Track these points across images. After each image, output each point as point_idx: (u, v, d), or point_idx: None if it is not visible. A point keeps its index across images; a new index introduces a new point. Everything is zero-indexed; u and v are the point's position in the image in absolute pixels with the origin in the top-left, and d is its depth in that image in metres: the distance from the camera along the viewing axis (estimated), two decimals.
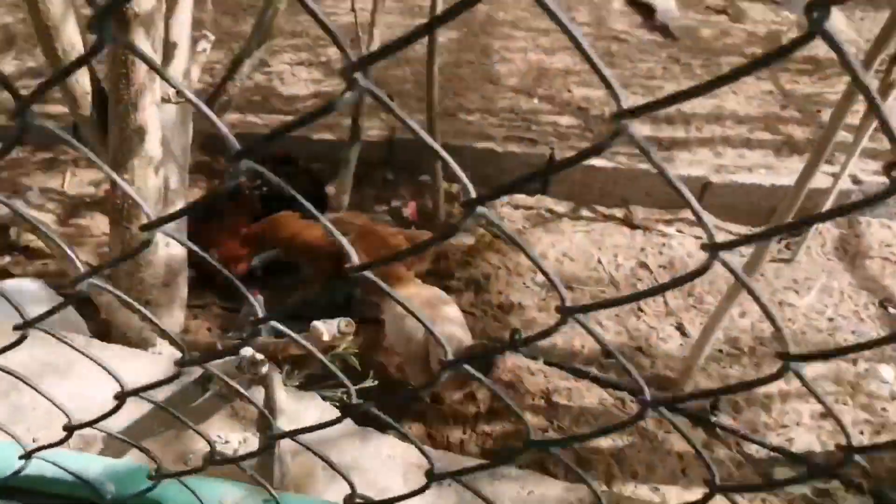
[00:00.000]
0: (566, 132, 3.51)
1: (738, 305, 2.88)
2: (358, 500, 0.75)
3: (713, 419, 2.40)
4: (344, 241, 0.58)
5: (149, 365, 1.26)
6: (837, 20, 4.45)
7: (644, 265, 3.07)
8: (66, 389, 0.99)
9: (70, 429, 0.77)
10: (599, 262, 3.07)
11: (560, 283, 0.61)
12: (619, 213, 3.30)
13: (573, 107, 3.72)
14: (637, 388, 0.63)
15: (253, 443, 1.12)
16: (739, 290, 2.28)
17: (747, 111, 3.73)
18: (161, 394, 1.17)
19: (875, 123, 2.58)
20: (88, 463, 0.92)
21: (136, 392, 0.74)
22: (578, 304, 0.61)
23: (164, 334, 2.27)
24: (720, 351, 2.69)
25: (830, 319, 2.84)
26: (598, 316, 2.82)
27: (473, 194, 0.57)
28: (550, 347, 2.66)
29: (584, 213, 3.29)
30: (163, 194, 2.10)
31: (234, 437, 1.13)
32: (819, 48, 4.22)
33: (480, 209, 0.56)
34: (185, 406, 1.13)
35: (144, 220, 1.84)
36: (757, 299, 0.58)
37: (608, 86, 0.50)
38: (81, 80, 1.95)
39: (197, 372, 1.12)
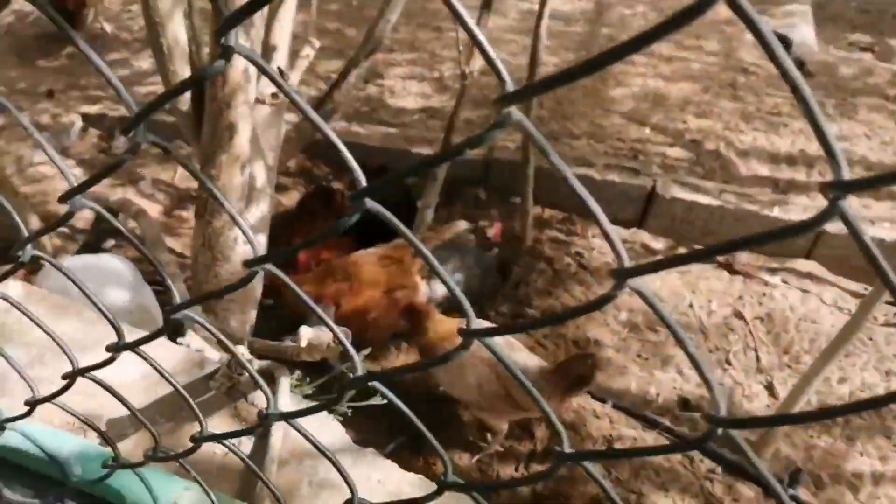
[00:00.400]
0: (674, 164, 3.35)
1: (839, 370, 2.64)
2: None
3: (789, 492, 2.19)
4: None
5: (167, 357, 1.29)
6: None
7: (740, 315, 2.87)
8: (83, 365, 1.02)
9: (31, 403, 0.79)
10: (691, 306, 2.90)
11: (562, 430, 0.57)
12: (720, 256, 3.10)
13: (686, 139, 3.55)
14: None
15: (248, 445, 1.12)
16: (837, 350, 2.08)
17: (881, 158, 3.42)
18: (166, 386, 1.19)
19: None
20: (63, 443, 0.95)
21: (83, 371, 0.74)
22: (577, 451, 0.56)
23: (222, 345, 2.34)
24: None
25: None
26: (680, 364, 2.66)
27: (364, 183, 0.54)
28: (623, 391, 2.53)
29: (682, 251, 3.12)
30: (246, 192, 2.17)
31: (230, 441, 1.14)
32: None
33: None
34: (195, 399, 1.14)
35: (226, 217, 1.88)
36: (680, 340, 0.50)
37: (494, 68, 0.46)
38: (182, 76, 2.05)
39: (206, 370, 1.13)
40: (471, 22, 0.43)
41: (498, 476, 2.20)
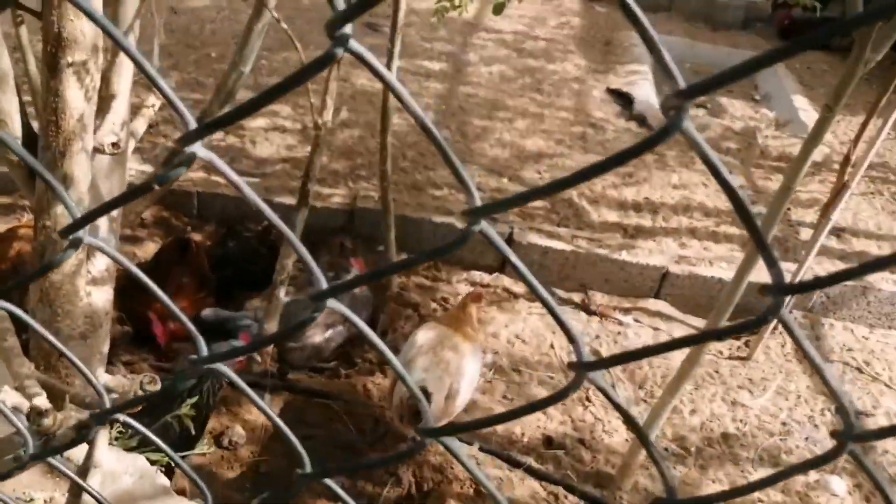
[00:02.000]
0: (531, 212, 3.49)
1: (690, 402, 2.79)
2: None
3: None
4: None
5: None
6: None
7: (597, 353, 2.98)
8: None
9: None
10: (552, 346, 2.99)
11: (425, 403, 0.57)
12: (577, 297, 3.24)
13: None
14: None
15: (60, 501, 1.03)
16: (681, 383, 2.20)
17: (716, 204, 3.72)
18: None
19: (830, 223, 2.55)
20: None
21: None
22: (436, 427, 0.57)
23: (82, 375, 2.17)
24: (666, 449, 2.58)
25: (784, 423, 2.73)
26: None
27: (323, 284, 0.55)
28: (490, 433, 2.55)
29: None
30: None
31: (40, 496, 1.05)
32: (793, 146, 4.25)
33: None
34: (3, 455, 1.05)
35: (65, 269, 1.76)
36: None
37: (461, 181, 0.49)
38: (11, 124, 1.93)
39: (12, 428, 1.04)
40: (437, 134, 0.47)
41: None
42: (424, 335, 2.38)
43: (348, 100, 4.19)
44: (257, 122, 3.93)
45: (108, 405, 0.63)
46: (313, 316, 0.57)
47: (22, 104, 2.04)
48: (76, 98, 1.81)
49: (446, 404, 2.24)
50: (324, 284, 0.58)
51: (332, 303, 0.58)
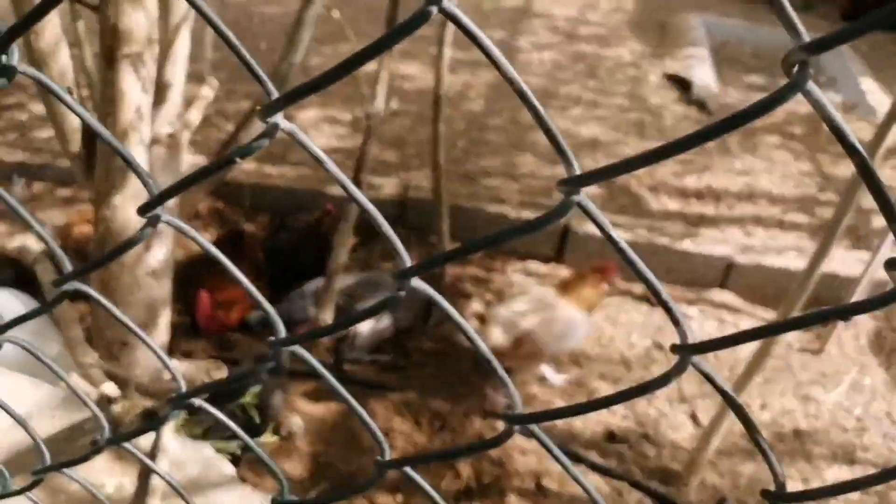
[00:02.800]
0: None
1: (759, 397, 2.68)
2: None
3: None
4: None
5: (46, 397, 1.17)
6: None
7: (660, 346, 2.89)
8: None
9: None
10: (612, 339, 2.90)
11: (512, 387, 0.53)
12: (637, 288, 3.14)
13: None
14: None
15: (129, 489, 1.01)
16: (750, 376, 2.10)
17: (782, 191, 3.57)
18: (49, 428, 1.09)
19: None
20: None
21: None
22: (527, 413, 0.53)
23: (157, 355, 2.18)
24: (734, 445, 2.48)
25: (859, 419, 2.60)
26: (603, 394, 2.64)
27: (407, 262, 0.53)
28: (549, 427, 2.48)
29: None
30: None
31: (111, 482, 1.03)
32: (863, 131, 4.06)
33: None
34: (72, 443, 1.04)
35: (125, 260, 1.76)
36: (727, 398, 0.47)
37: (559, 149, 0.45)
38: (70, 117, 1.93)
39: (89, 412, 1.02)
40: (538, 105, 0.42)
41: None
42: (538, 289, 2.57)
43: (398, 90, 4.15)
44: (308, 114, 3.92)
45: (183, 389, 0.60)
46: (398, 294, 0.52)
47: (81, 97, 2.05)
48: (132, 89, 1.80)
49: (516, 343, 2.40)
50: (408, 262, 0.53)
51: (415, 282, 0.53)
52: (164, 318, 2.26)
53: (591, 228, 3.09)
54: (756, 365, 2.10)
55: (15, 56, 0.50)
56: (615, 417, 2.56)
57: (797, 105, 4.35)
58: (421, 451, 2.30)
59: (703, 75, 4.49)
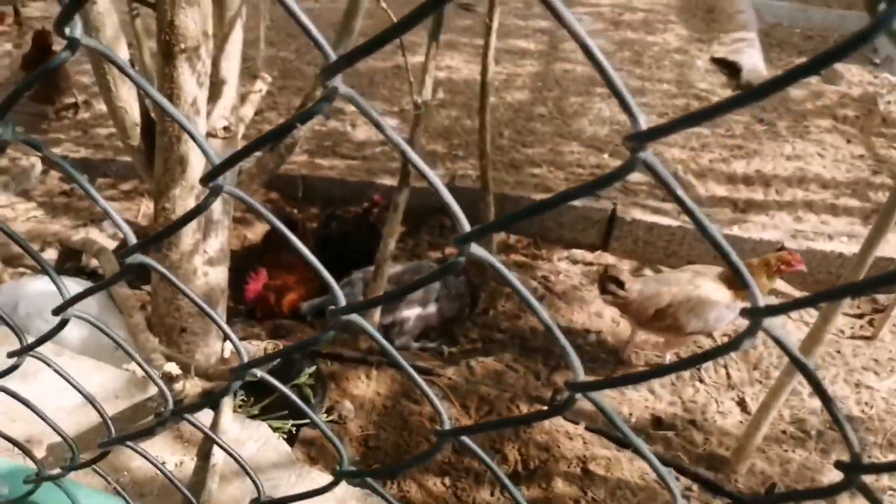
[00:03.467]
0: (634, 188, 3.38)
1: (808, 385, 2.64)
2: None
3: None
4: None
5: (110, 380, 1.24)
6: None
7: (707, 334, 2.87)
8: (25, 394, 0.98)
9: None
10: None
11: (573, 355, 0.54)
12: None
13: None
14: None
15: (189, 466, 1.08)
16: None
17: (834, 175, 3.50)
18: (112, 409, 1.16)
19: None
20: None
21: None
22: (588, 380, 0.53)
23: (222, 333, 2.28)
24: (783, 432, 2.46)
25: None
26: (652, 384, 2.65)
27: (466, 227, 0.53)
28: (594, 413, 2.50)
29: (647, 272, 3.13)
30: (202, 224, 2.13)
31: (171, 459, 1.09)
32: None
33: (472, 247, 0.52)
34: (134, 422, 1.10)
35: (183, 249, 1.84)
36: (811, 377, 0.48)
37: (624, 104, 0.43)
38: (131, 112, 2.02)
39: (151, 392, 1.09)
40: (603, 60, 0.42)
41: (474, 501, 2.15)
42: (693, 269, 2.64)
43: (444, 81, 4.19)
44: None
45: (245, 359, 0.64)
46: (458, 261, 0.54)
47: (139, 93, 2.14)
48: (189, 83, 1.87)
49: (657, 314, 2.51)
50: (467, 227, 0.55)
51: (474, 247, 0.55)
52: (222, 305, 2.35)
53: (638, 215, 3.09)
54: (806, 351, 2.08)
55: (77, 28, 0.51)
56: (661, 403, 2.56)
57: (850, 87, 4.25)
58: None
59: (752, 59, 4.41)
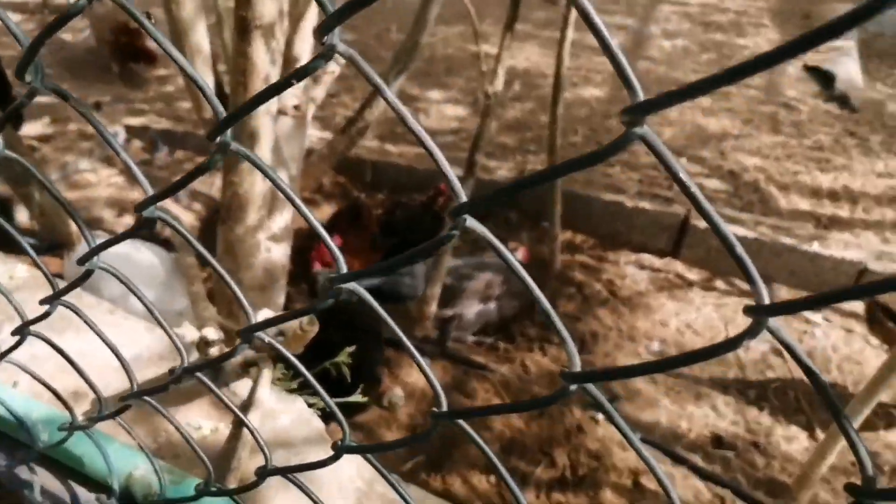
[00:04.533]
0: (711, 195, 3.25)
1: (886, 416, 2.49)
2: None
3: None
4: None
5: (158, 342, 1.25)
6: None
7: (778, 352, 2.74)
8: (76, 345, 1.00)
9: None
10: (727, 338, 2.77)
11: (570, 343, 0.49)
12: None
13: (724, 171, 3.45)
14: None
15: (224, 433, 1.07)
16: (876, 389, 1.95)
17: None
18: (157, 370, 1.16)
19: None
20: (31, 409, 0.94)
21: (27, 325, 0.70)
22: (583, 371, 0.49)
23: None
24: (853, 464, 2.32)
25: None
26: (714, 400, 2.54)
27: (463, 198, 0.49)
28: (652, 424, 2.42)
29: (718, 284, 3.01)
30: (268, 200, 2.14)
31: (207, 425, 1.09)
32: None
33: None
34: (175, 385, 1.10)
35: (248, 223, 1.85)
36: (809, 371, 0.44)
37: (622, 75, 0.40)
38: (205, 84, 2.04)
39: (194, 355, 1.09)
40: (605, 31, 0.39)
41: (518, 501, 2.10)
42: None
43: (521, 74, 4.13)
44: (432, 94, 3.97)
45: (252, 321, 0.62)
46: (452, 233, 0.49)
47: (216, 69, 2.17)
48: (263, 60, 1.88)
49: None
50: (463, 198, 0.50)
51: (470, 221, 0.49)
52: (282, 282, 2.37)
53: None
54: (882, 380, 1.95)
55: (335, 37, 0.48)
56: (723, 422, 2.46)
57: None
58: (516, 434, 2.30)
59: (848, 68, 4.18)
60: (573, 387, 0.49)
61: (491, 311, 2.78)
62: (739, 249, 0.40)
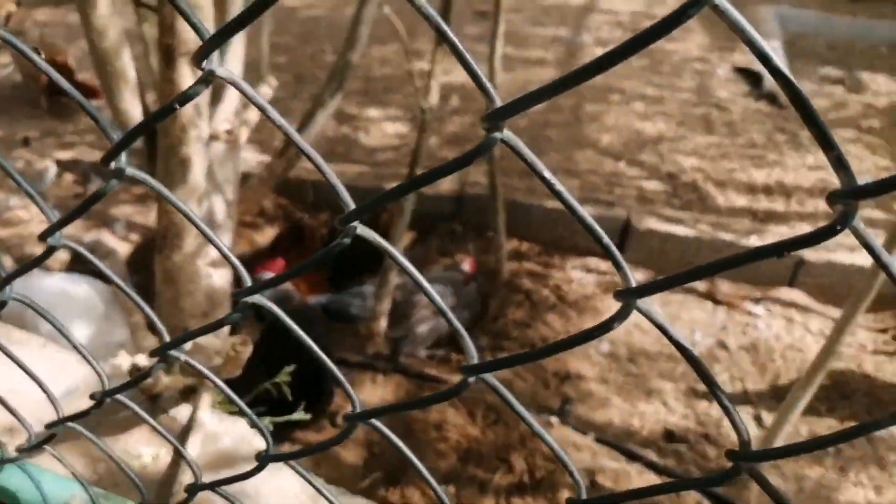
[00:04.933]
0: (650, 197, 3.32)
1: (826, 401, 2.56)
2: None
3: None
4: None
5: (94, 374, 1.23)
6: None
7: (723, 345, 2.80)
8: (8, 383, 0.97)
9: None
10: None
11: (468, 339, 0.50)
12: (701, 286, 3.05)
13: (662, 173, 3.53)
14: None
15: (165, 459, 1.05)
16: (816, 375, 2.01)
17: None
18: (84, 403, 1.14)
19: None
20: None
21: None
22: (480, 363, 0.51)
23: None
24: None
25: None
26: (664, 396, 2.58)
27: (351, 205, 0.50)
28: (605, 424, 2.44)
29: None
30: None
31: (148, 451, 1.07)
32: None
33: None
34: (111, 415, 1.08)
35: (186, 251, 1.83)
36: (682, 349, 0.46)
37: (479, 85, 0.42)
38: (133, 113, 2.02)
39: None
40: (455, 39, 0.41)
41: None
42: None
43: (458, 88, 4.16)
44: (371, 112, 3.98)
45: (167, 339, 0.62)
46: (343, 242, 0.50)
47: (143, 94, 2.13)
48: (189, 86, 1.87)
49: None
50: (351, 205, 0.50)
51: (361, 228, 0.50)
52: (225, 306, 2.33)
53: (653, 224, 3.03)
54: (820, 365, 2.01)
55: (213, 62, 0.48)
56: (674, 417, 2.50)
57: (874, 98, 4.16)
58: (472, 443, 2.30)
59: None
60: (472, 378, 0.51)
61: (442, 325, 2.78)
62: (606, 240, 0.42)
